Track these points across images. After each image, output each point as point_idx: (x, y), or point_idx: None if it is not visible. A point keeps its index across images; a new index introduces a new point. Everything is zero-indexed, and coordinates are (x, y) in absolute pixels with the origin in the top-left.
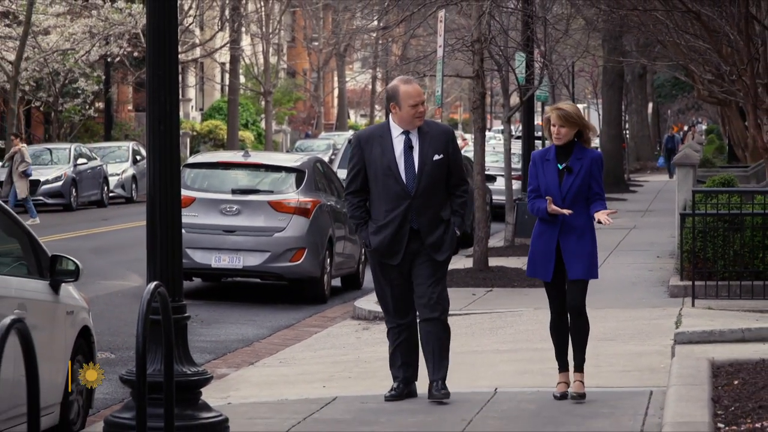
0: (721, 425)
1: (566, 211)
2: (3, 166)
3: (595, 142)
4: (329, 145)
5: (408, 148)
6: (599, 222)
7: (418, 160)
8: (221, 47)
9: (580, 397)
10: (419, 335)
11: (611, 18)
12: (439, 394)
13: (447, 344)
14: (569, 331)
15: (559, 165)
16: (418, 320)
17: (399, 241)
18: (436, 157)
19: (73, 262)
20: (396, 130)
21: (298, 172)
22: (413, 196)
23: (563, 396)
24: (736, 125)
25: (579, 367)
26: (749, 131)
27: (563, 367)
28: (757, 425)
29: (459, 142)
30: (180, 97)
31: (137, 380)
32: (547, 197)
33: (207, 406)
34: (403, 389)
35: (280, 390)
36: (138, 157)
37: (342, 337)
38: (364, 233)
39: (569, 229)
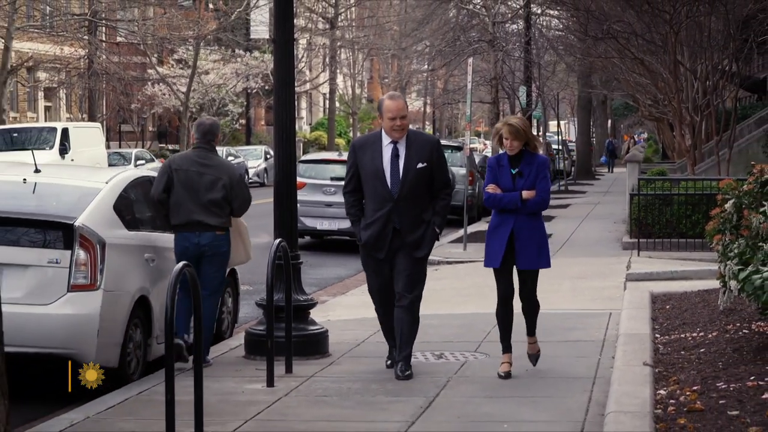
0: (657, 335)
1: (531, 193)
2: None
3: (572, 146)
4: None
5: (395, 156)
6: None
7: (403, 168)
8: (323, 83)
9: (535, 358)
10: (393, 317)
11: (583, 63)
12: (403, 375)
13: (413, 330)
14: (522, 310)
15: (512, 170)
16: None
17: (383, 238)
18: (420, 165)
19: None
20: (386, 139)
21: None
22: (396, 199)
23: (507, 375)
24: (667, 135)
25: (531, 332)
26: (676, 139)
27: (506, 349)
28: (682, 335)
29: (479, 146)
30: (295, 116)
31: (267, 304)
32: (491, 186)
33: (314, 322)
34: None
35: (362, 311)
36: (268, 156)
37: None
38: (357, 229)
39: (522, 222)
